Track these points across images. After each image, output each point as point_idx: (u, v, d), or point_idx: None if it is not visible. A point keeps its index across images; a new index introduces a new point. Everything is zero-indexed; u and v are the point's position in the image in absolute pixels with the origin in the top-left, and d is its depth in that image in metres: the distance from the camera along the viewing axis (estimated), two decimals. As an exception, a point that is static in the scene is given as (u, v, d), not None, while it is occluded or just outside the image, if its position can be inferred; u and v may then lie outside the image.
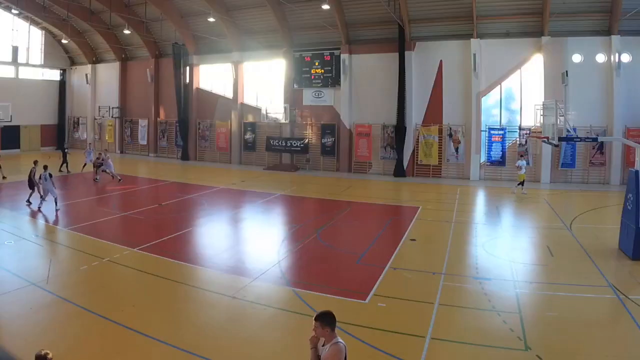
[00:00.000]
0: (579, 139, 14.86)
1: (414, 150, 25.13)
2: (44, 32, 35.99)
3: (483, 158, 24.06)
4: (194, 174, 25.26)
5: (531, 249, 12.27)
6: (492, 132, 23.81)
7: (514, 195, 19.55)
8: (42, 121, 36.91)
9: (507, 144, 23.62)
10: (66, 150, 25.98)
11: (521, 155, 21.26)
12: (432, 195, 19.97)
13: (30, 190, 16.61)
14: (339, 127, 26.81)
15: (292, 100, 28.08)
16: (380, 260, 10.71)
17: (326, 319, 4.27)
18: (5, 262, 10.09)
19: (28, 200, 16.33)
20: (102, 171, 22.33)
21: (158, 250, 11.30)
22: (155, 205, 16.92)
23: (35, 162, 17.47)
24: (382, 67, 25.46)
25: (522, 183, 19.58)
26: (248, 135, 29.99)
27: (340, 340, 4.26)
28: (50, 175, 15.78)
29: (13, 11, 31.65)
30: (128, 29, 29.53)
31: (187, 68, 31.52)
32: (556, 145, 15.63)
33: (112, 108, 35.41)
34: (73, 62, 38.84)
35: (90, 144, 31.85)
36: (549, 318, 7.65)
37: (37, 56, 36.10)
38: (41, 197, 15.95)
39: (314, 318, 4.31)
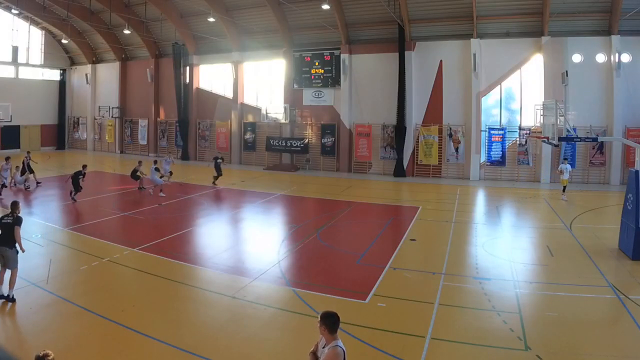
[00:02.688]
0: (579, 139, 14.86)
1: (414, 150, 25.13)
2: (44, 32, 35.99)
3: (483, 158, 24.07)
4: (193, 174, 25.25)
5: (531, 249, 12.27)
6: (492, 132, 23.81)
7: (565, 201, 17.91)
8: (42, 121, 36.92)
9: (507, 144, 23.62)
10: (219, 161, 21.60)
11: (565, 159, 19.64)
12: (432, 195, 19.97)
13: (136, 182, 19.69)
14: (339, 127, 26.82)
15: (292, 100, 28.08)
16: (380, 260, 10.71)
17: (325, 319, 4.22)
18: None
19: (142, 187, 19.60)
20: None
21: (158, 250, 11.29)
22: (155, 205, 16.92)
23: (155, 162, 20.06)
24: (382, 67, 25.47)
25: (564, 188, 18.26)
26: (248, 135, 30.00)
27: (340, 344, 4.19)
28: (157, 169, 19.21)
29: (13, 11, 31.63)
30: (128, 29, 29.53)
31: (187, 68, 31.53)
32: (556, 145, 15.63)
33: (112, 108, 35.43)
34: (73, 62, 38.85)
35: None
36: (549, 318, 7.65)
37: (37, 56, 36.09)
38: (140, 188, 19.52)
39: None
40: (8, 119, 30.41)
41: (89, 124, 37.75)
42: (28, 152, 22.00)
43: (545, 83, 22.25)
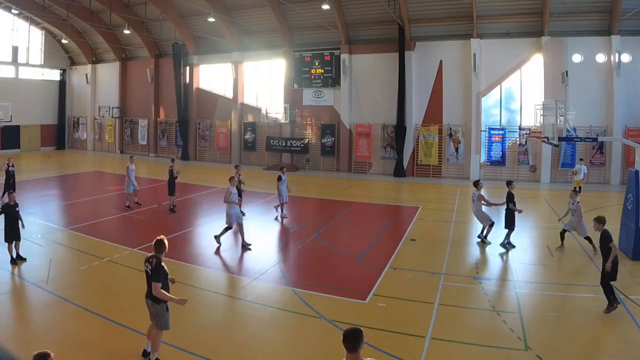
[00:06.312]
0: (579, 139, 14.86)
1: (414, 150, 25.14)
2: (44, 32, 36.00)
3: (483, 158, 24.07)
4: (194, 174, 25.24)
5: (531, 249, 12.27)
6: (492, 132, 23.82)
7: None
8: (42, 121, 36.94)
9: (507, 144, 23.63)
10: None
11: (580, 159, 19.14)
12: (432, 195, 19.96)
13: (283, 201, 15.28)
14: (339, 127, 26.82)
15: (292, 100, 28.08)
16: (380, 260, 10.71)
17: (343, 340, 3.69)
18: (5, 262, 10.08)
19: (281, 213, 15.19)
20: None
21: (158, 250, 11.27)
22: (155, 205, 16.91)
23: (282, 169, 16.00)
24: (382, 67, 25.47)
25: (578, 189, 16.93)
26: (248, 135, 30.00)
27: None
28: (280, 178, 15.12)
29: (13, 11, 31.65)
30: (128, 29, 29.54)
31: (187, 68, 31.53)
32: (556, 145, 15.61)
33: (112, 108, 35.44)
34: (73, 62, 38.86)
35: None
36: (549, 318, 7.65)
37: (37, 56, 36.10)
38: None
39: None
40: (8, 119, 30.42)
41: (89, 124, 37.75)
42: (172, 160, 17.05)
43: (545, 83, 22.24)
